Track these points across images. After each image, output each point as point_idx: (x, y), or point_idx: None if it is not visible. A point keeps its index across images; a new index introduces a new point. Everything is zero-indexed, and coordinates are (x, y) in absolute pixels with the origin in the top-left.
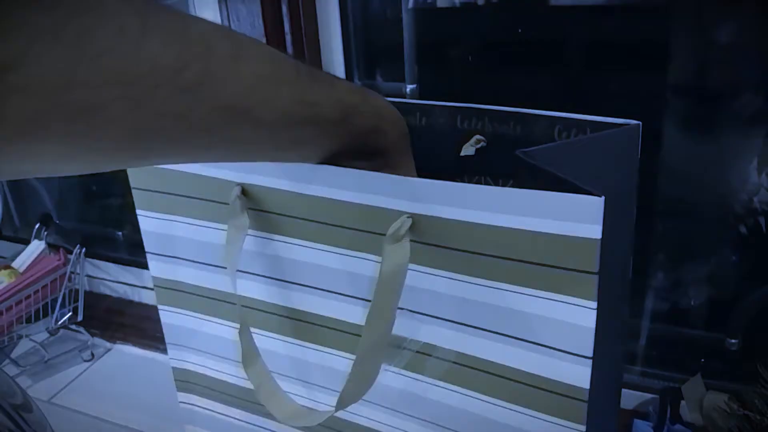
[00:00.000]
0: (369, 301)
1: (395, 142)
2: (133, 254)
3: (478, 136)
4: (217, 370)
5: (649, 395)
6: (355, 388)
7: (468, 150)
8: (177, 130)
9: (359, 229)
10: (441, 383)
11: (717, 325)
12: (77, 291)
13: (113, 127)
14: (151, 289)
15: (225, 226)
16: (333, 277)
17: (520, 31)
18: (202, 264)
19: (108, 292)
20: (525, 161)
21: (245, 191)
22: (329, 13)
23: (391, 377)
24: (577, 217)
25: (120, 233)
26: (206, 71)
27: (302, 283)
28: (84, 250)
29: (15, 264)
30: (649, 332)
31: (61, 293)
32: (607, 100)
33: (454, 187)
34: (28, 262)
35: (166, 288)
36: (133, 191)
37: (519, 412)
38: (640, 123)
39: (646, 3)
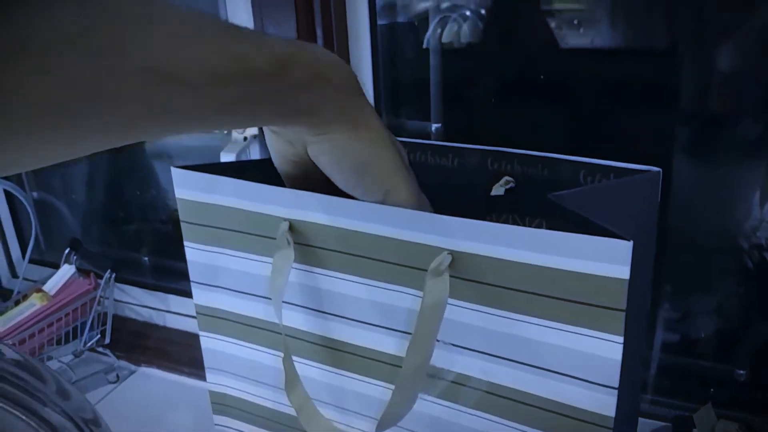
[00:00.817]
0: (405, 332)
1: (343, 88)
2: (159, 279)
3: (507, 177)
4: (254, 395)
5: (660, 423)
6: (395, 412)
7: (498, 190)
8: (98, 100)
9: (400, 264)
10: (472, 411)
11: (725, 355)
12: (106, 314)
13: (20, 99)
14: (176, 313)
15: (269, 259)
16: (372, 310)
17: (542, 78)
18: (245, 294)
19: (133, 315)
20: (552, 202)
21: (292, 226)
22: (361, 54)
23: (423, 404)
24: (608, 259)
25: (145, 258)
26: (116, 34)
27: (342, 315)
28: (114, 275)
29: (46, 287)
30: (660, 362)
31: (91, 317)
32: (619, 138)
33: (492, 227)
34: (59, 285)
35: (208, 315)
36: (182, 224)
37: None
38: (661, 170)
39: (651, 46)
